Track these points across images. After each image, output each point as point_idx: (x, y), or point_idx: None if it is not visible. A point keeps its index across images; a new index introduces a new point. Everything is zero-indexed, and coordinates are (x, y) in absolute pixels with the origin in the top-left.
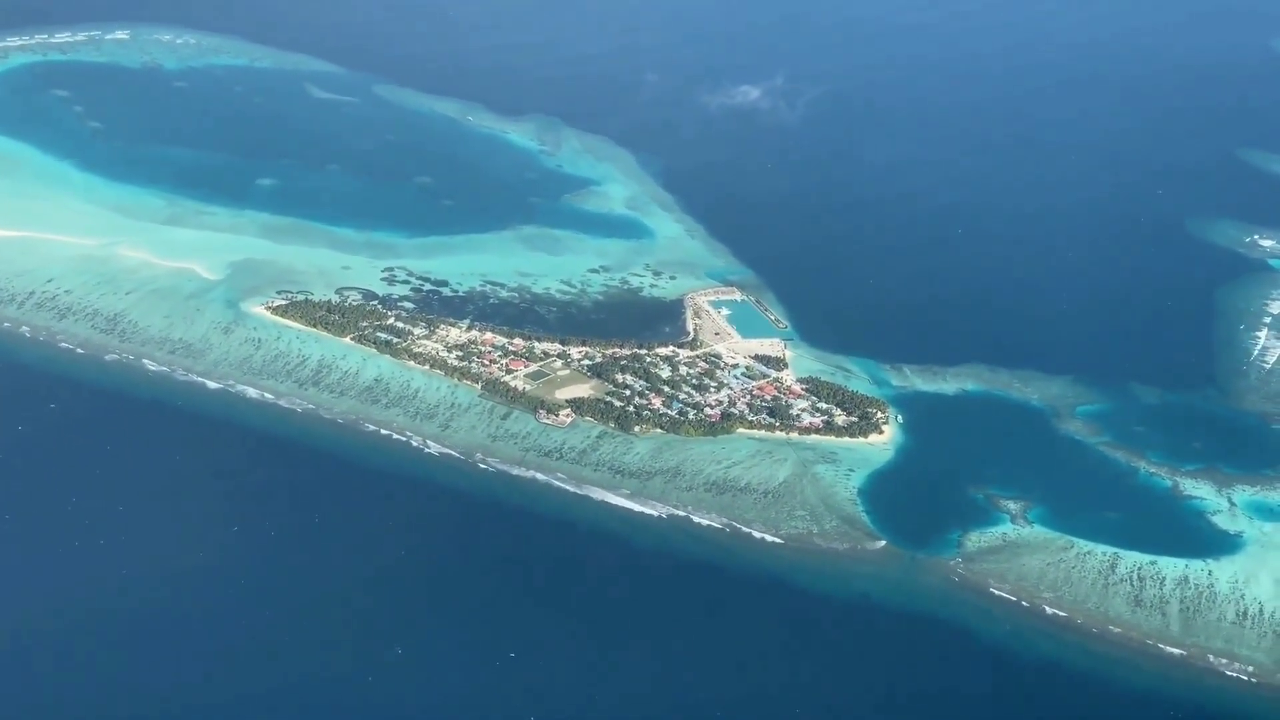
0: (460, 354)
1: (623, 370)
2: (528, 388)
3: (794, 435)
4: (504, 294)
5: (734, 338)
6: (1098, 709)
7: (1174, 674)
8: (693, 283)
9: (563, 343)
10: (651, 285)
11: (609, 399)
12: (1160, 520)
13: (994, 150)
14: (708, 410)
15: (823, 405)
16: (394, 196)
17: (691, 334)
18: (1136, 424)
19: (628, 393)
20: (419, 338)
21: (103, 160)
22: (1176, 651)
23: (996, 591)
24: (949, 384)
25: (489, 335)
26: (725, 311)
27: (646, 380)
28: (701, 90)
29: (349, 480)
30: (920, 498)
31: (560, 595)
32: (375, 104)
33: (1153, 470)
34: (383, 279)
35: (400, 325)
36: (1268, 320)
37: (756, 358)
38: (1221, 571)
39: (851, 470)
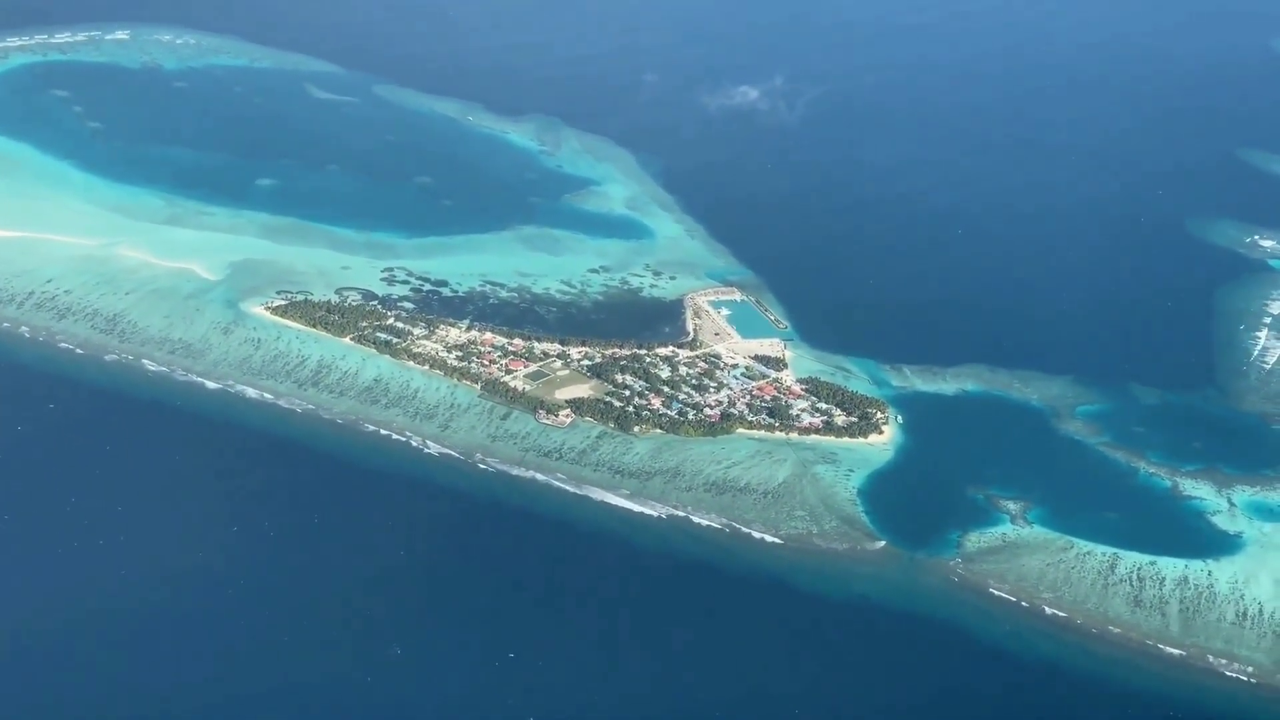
0: (460, 354)
1: (622, 370)
2: (527, 388)
3: (794, 435)
4: (504, 294)
5: (734, 338)
6: (1097, 709)
7: (1173, 674)
8: (692, 283)
9: (562, 343)
10: (651, 285)
11: (609, 399)
12: (1160, 520)
13: (994, 151)
14: (707, 410)
15: (822, 405)
16: (394, 196)
17: (691, 334)
18: (1136, 424)
19: (627, 393)
20: (419, 338)
21: (102, 160)
22: (1176, 652)
23: (996, 592)
24: (949, 384)
25: (489, 335)
26: (725, 312)
27: (646, 380)
28: (702, 90)
29: (348, 480)
30: (920, 498)
31: (560, 595)
32: (375, 104)
33: (1152, 470)
34: (382, 279)
35: (400, 325)
36: (1268, 320)
37: (756, 358)
38: (1221, 572)
39: (851, 470)
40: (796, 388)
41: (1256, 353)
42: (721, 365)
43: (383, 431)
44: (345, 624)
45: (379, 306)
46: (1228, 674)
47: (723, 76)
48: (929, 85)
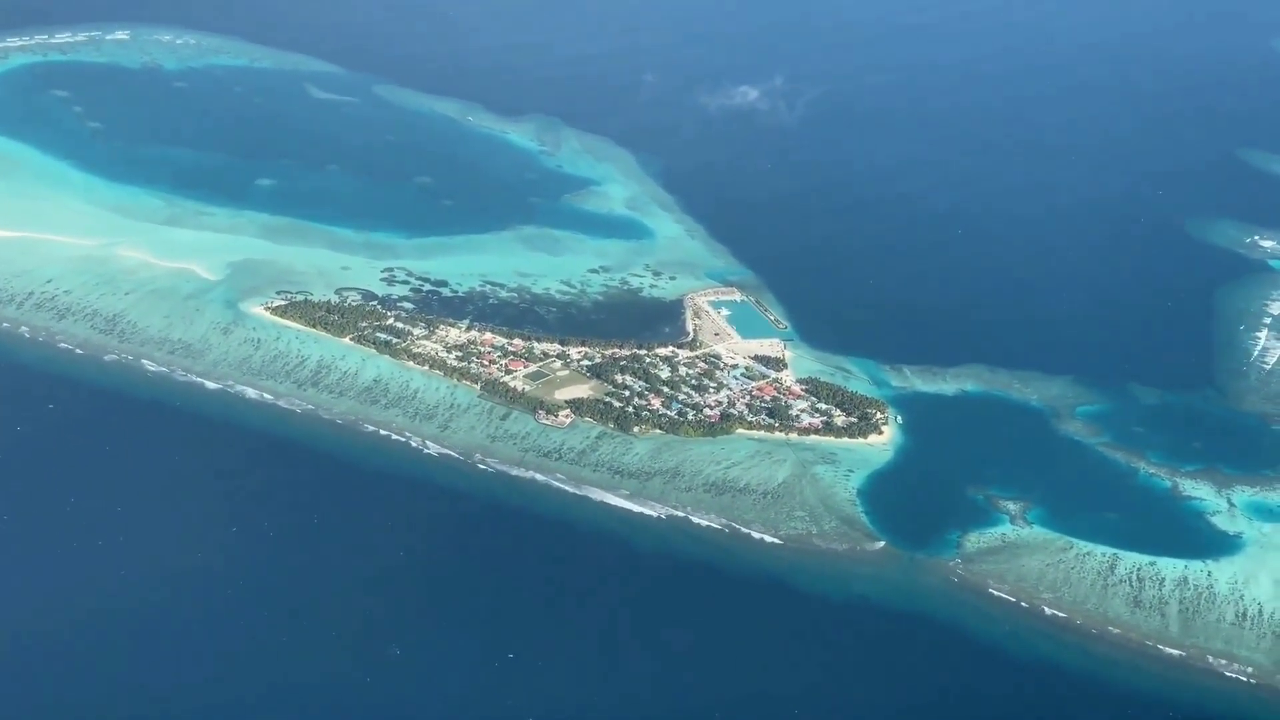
0: (459, 354)
1: (622, 371)
2: (527, 388)
3: (793, 436)
4: (503, 294)
5: (734, 338)
6: (1097, 710)
7: (1173, 675)
8: (692, 283)
9: (562, 343)
10: (651, 285)
11: (608, 399)
12: (1160, 521)
13: (994, 151)
14: (707, 411)
15: (822, 406)
16: (394, 196)
17: (691, 334)
18: (1136, 424)
19: (627, 393)
20: (418, 338)
21: (102, 161)
22: (1176, 653)
23: (995, 592)
24: (948, 384)
25: (488, 336)
26: (725, 312)
27: (646, 381)
28: (702, 91)
29: (348, 481)
30: (919, 498)
31: (559, 596)
32: (375, 104)
33: (1152, 471)
34: (382, 279)
35: (399, 326)
36: (1268, 321)
37: (756, 358)
38: (1221, 572)
39: (851, 471)
40: (796, 388)
41: (1256, 353)
42: (721, 365)
43: (382, 432)
44: (345, 624)
45: (379, 307)
46: (1227, 675)
47: (723, 77)
48: (929, 86)
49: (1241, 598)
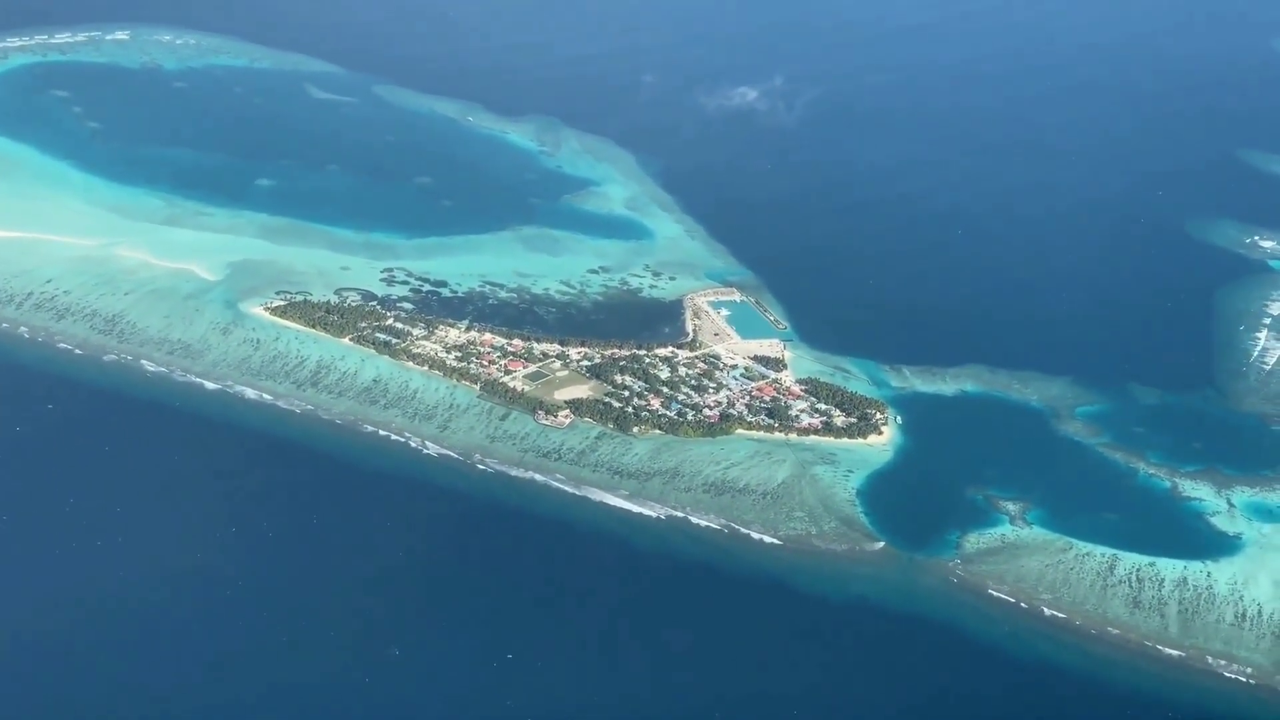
0: (459, 355)
1: (622, 371)
2: (526, 388)
3: (793, 436)
4: (503, 295)
5: (733, 338)
6: (1096, 711)
7: (1172, 676)
8: (692, 283)
9: (562, 343)
10: (651, 286)
11: (608, 400)
12: (1159, 521)
13: (994, 151)
14: (707, 411)
15: (822, 406)
16: (393, 197)
17: (691, 335)
18: (1136, 425)
19: (626, 393)
20: (418, 338)
21: (102, 161)
22: (1175, 653)
23: (995, 593)
24: (948, 385)
25: (488, 336)
26: (724, 312)
27: (645, 381)
28: (701, 91)
29: (347, 481)
30: (919, 499)
31: (558, 596)
32: (375, 104)
33: (1152, 471)
34: (382, 279)
35: (399, 326)
36: (1267, 321)
37: (756, 358)
38: (1220, 573)
39: (850, 471)
40: (796, 388)
41: (1256, 353)
42: (721, 366)
43: (381, 432)
44: (344, 625)
45: (378, 307)
46: (1226, 675)
47: (723, 77)
48: (929, 86)
49: (1241, 598)
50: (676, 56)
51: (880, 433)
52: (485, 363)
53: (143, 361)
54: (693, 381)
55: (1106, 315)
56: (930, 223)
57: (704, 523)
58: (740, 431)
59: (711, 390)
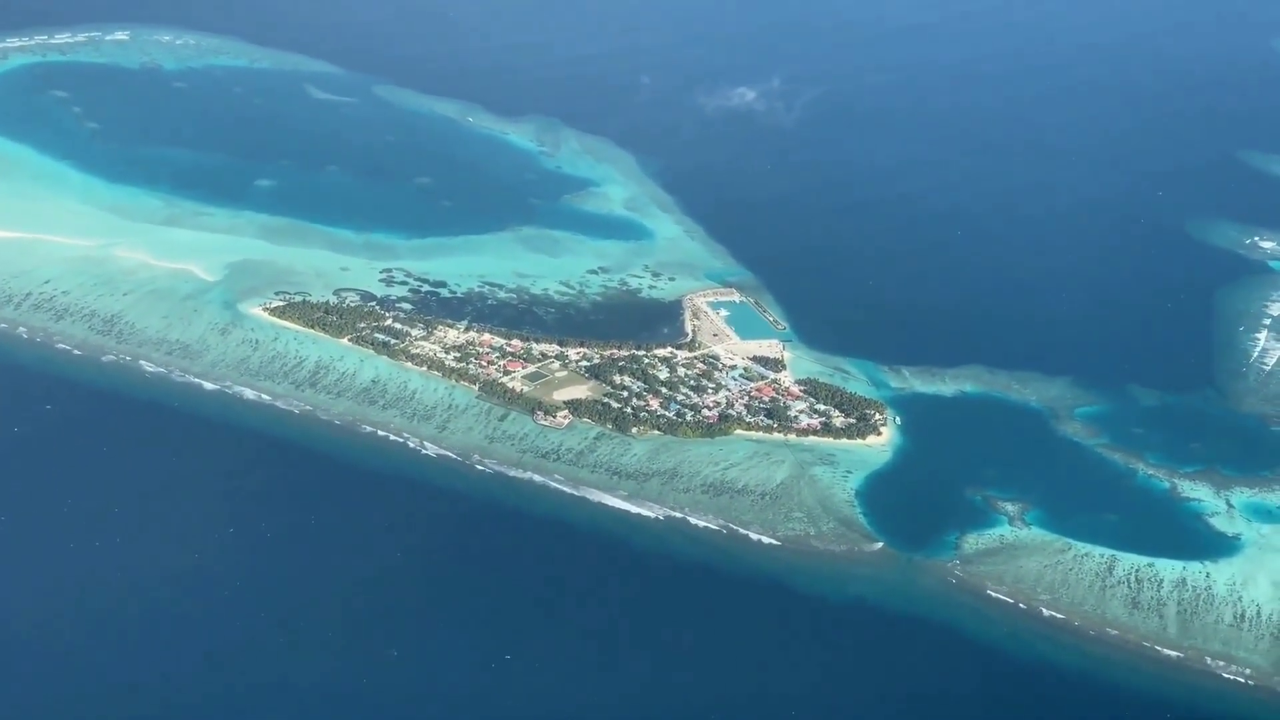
0: (458, 355)
1: (621, 371)
2: (525, 389)
3: (792, 437)
4: (502, 295)
5: (732, 339)
6: (1094, 711)
7: (1171, 676)
8: (691, 284)
9: (561, 344)
10: (650, 286)
11: (607, 400)
12: (1158, 522)
13: (993, 151)
14: (705, 412)
15: (821, 407)
16: (393, 197)
17: (690, 335)
18: (1135, 426)
19: (625, 394)
20: (417, 339)
21: (101, 161)
22: (1174, 654)
23: (994, 594)
24: (947, 385)
25: (487, 336)
26: (724, 313)
27: (644, 381)
28: (701, 91)
29: (346, 481)
30: (918, 500)
31: (557, 597)
32: (375, 104)
33: (1151, 472)
34: (381, 280)
35: (398, 326)
36: (1267, 322)
37: (755, 359)
38: (1219, 574)
39: (849, 472)
40: (795, 389)
41: (1256, 354)
42: (720, 366)
43: (380, 432)
44: (342, 625)
45: (377, 307)
46: (1225, 676)
47: (722, 77)
48: (929, 86)
49: (1240, 599)
50: (676, 57)
51: (879, 433)
52: (484, 363)
53: (141, 362)
54: (692, 382)
55: (1106, 315)
56: (930, 223)
57: (703, 523)
58: (739, 432)
59: (710, 391)
